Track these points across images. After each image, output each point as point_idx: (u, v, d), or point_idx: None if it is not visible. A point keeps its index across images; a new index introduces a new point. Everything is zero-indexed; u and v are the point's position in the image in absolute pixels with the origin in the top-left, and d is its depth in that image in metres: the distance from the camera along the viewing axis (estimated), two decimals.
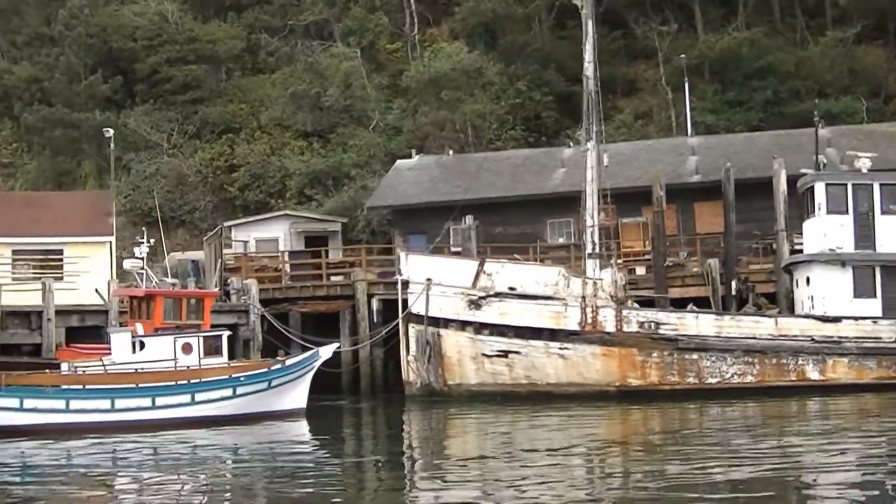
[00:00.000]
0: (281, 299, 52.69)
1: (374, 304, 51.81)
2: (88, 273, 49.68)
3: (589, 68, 49.24)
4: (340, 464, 31.77)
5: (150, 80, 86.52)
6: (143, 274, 42.61)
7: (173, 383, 38.50)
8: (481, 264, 46.59)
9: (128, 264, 43.51)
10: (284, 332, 49.31)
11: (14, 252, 51.23)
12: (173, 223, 77.24)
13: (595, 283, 45.86)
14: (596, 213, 48.07)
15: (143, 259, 42.65)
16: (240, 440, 36.42)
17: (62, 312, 46.26)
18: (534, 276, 46.27)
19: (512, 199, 58.36)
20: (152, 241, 43.97)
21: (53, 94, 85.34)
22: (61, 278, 49.39)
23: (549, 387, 45.53)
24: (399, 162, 65.81)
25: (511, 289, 45.91)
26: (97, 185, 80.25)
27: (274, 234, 61.56)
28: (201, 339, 39.83)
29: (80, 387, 37.41)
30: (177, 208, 77.99)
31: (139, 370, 38.21)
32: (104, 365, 38.26)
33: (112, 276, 50.89)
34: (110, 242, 52.46)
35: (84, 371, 38.28)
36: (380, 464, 31.49)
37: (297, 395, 41.66)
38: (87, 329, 47.18)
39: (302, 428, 40.10)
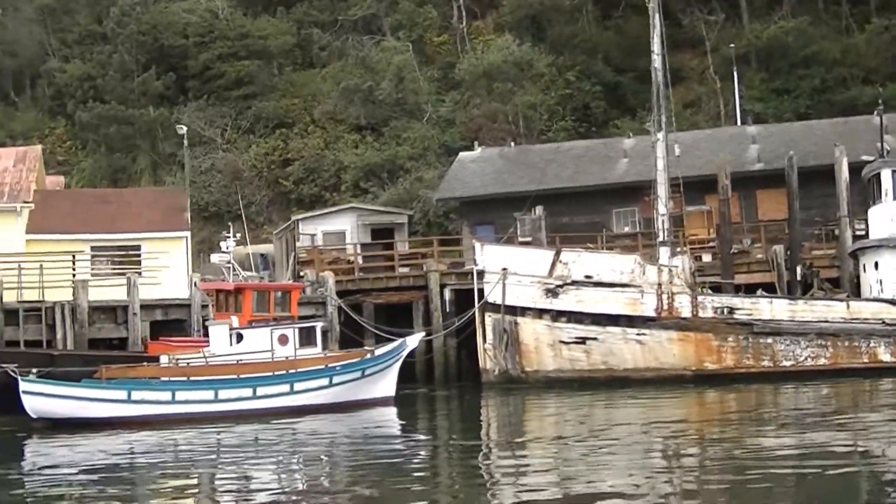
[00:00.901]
0: (354, 291, 53.39)
1: (447, 294, 52.55)
2: (167, 268, 50.53)
3: (657, 60, 49.91)
4: (435, 446, 33.09)
5: (203, 76, 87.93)
6: (229, 268, 43.54)
7: (273, 374, 39.56)
8: (557, 253, 47.42)
9: (215, 258, 44.52)
10: (361, 323, 50.07)
11: (92, 248, 52.01)
12: (229, 217, 78.37)
13: (671, 271, 46.74)
14: (667, 202, 48.87)
15: (229, 253, 43.61)
16: (337, 427, 37.42)
17: (146, 307, 47.24)
18: (609, 264, 47.11)
19: (578, 189, 59.42)
20: (237, 235, 44.92)
21: (107, 92, 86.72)
22: (140, 273, 50.20)
23: (626, 372, 46.41)
24: (462, 154, 66.76)
25: (587, 277, 46.75)
26: (152, 181, 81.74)
27: (341, 226, 62.38)
28: (296, 330, 40.83)
29: (185, 378, 38.48)
30: (232, 203, 79.06)
31: (240, 361, 39.25)
32: (205, 357, 39.24)
33: (190, 271, 52.02)
34: (187, 237, 53.45)
35: (188, 363, 39.24)
36: (469, 446, 32.60)
37: (387, 384, 42.59)
38: (170, 322, 48.17)
39: (393, 415, 41.08)
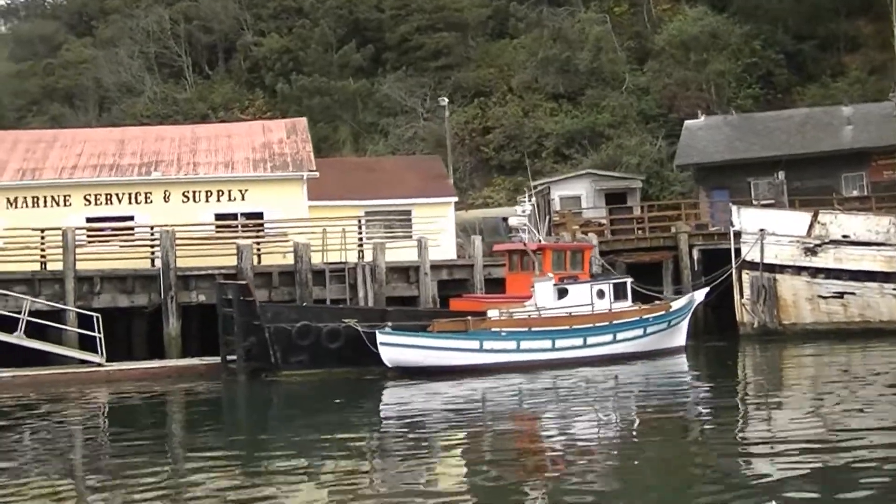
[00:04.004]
0: (607, 251, 57.14)
1: (695, 253, 56.19)
2: (444, 231, 54.76)
3: None
4: (738, 388, 37.83)
5: (400, 48, 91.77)
6: (526, 229, 47.44)
7: (600, 325, 43.78)
8: (815, 215, 51.09)
9: (513, 221, 48.34)
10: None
11: (366, 213, 56.37)
12: None
13: None
14: None
15: (527, 216, 47.47)
16: (653, 373, 41.67)
17: (434, 267, 51.23)
18: (865, 224, 50.69)
19: (811, 155, 62.70)
20: (532, 200, 48.85)
21: (306, 64, 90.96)
22: (410, 237, 54.34)
23: (881, 324, 49.86)
24: (688, 122, 70.04)
25: (844, 237, 50.42)
26: (354, 150, 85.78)
27: (576, 191, 66.21)
28: (612, 285, 45.01)
29: (527, 329, 42.69)
30: None
31: (572, 314, 43.41)
32: (539, 309, 43.32)
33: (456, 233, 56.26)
34: (454, 202, 57.62)
35: (529, 316, 43.19)
36: (760, 387, 37.85)
37: (681, 335, 46.93)
38: (453, 281, 52.24)
39: (686, 362, 45.32)
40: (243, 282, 44.77)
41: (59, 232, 48.51)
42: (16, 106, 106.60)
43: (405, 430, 30.29)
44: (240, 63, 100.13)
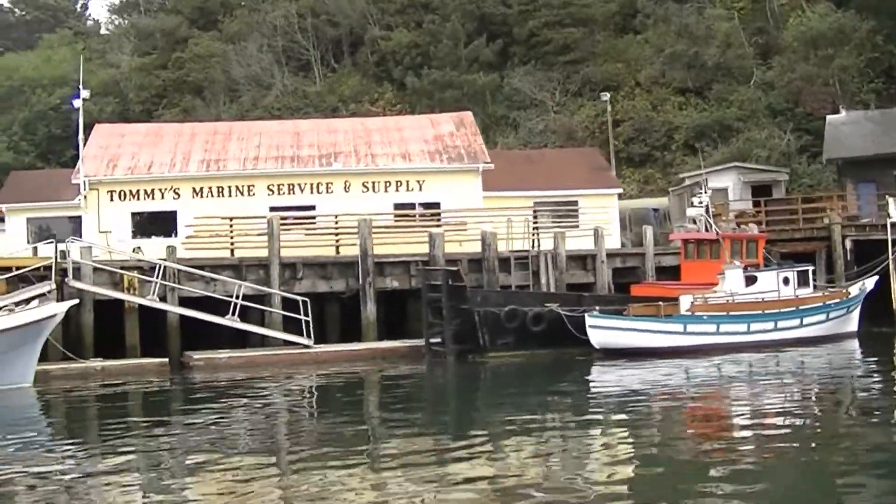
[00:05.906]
0: None
1: (847, 244, 58.70)
2: (612, 221, 57.88)
3: None
4: None
5: (528, 42, 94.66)
6: (702, 220, 50.50)
7: (787, 310, 46.85)
8: None
9: (692, 212, 51.38)
10: None
11: (535, 203, 59.32)
12: None
13: None
14: None
15: (704, 207, 50.47)
16: (838, 356, 44.71)
17: (609, 255, 54.21)
18: None
19: None
20: (708, 192, 51.76)
21: (435, 58, 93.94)
22: (577, 226, 57.24)
23: None
24: (830, 117, 71.96)
25: None
26: (485, 143, 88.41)
27: (724, 183, 68.45)
28: (796, 273, 48.02)
29: (725, 314, 45.78)
30: None
31: (764, 299, 46.47)
32: (732, 295, 46.36)
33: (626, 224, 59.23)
34: (618, 194, 60.63)
35: (726, 301, 46.14)
36: None
37: (855, 320, 49.79)
38: (625, 269, 55.12)
39: (861, 347, 47.97)
40: (454, 268, 47.90)
41: (247, 221, 52.39)
42: (140, 98, 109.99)
43: (629, 406, 33.47)
44: (367, 56, 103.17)
